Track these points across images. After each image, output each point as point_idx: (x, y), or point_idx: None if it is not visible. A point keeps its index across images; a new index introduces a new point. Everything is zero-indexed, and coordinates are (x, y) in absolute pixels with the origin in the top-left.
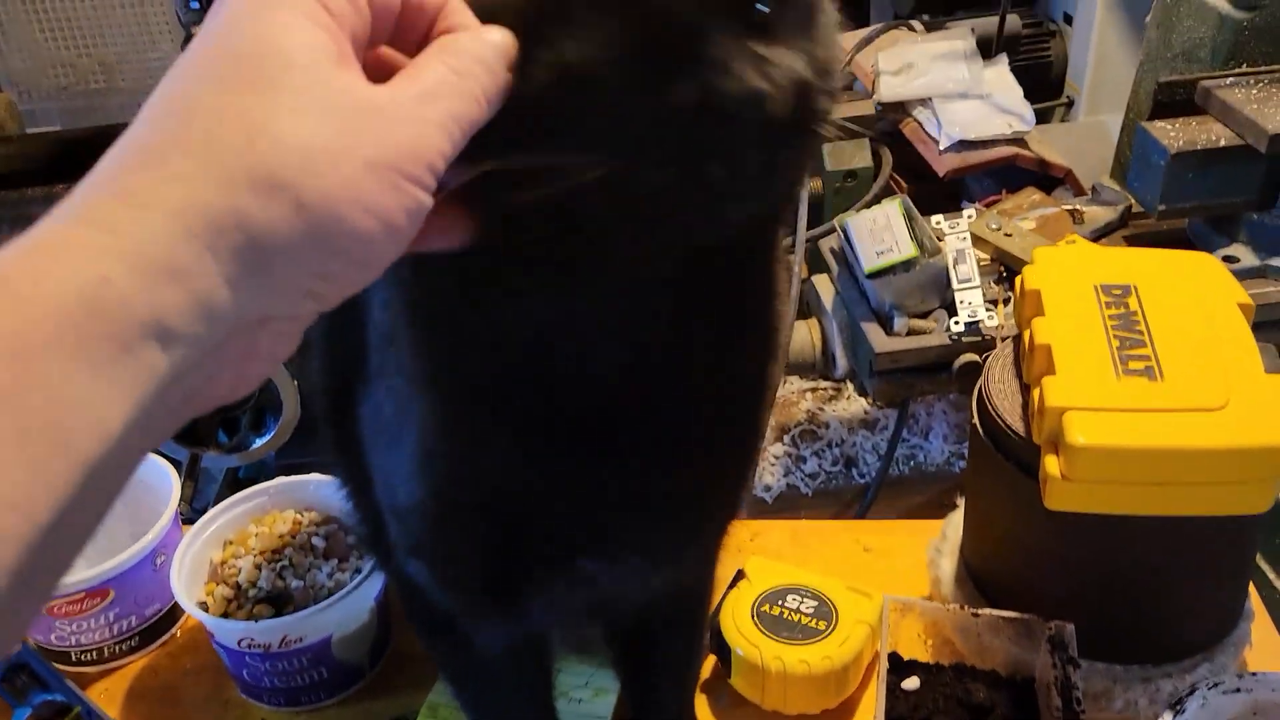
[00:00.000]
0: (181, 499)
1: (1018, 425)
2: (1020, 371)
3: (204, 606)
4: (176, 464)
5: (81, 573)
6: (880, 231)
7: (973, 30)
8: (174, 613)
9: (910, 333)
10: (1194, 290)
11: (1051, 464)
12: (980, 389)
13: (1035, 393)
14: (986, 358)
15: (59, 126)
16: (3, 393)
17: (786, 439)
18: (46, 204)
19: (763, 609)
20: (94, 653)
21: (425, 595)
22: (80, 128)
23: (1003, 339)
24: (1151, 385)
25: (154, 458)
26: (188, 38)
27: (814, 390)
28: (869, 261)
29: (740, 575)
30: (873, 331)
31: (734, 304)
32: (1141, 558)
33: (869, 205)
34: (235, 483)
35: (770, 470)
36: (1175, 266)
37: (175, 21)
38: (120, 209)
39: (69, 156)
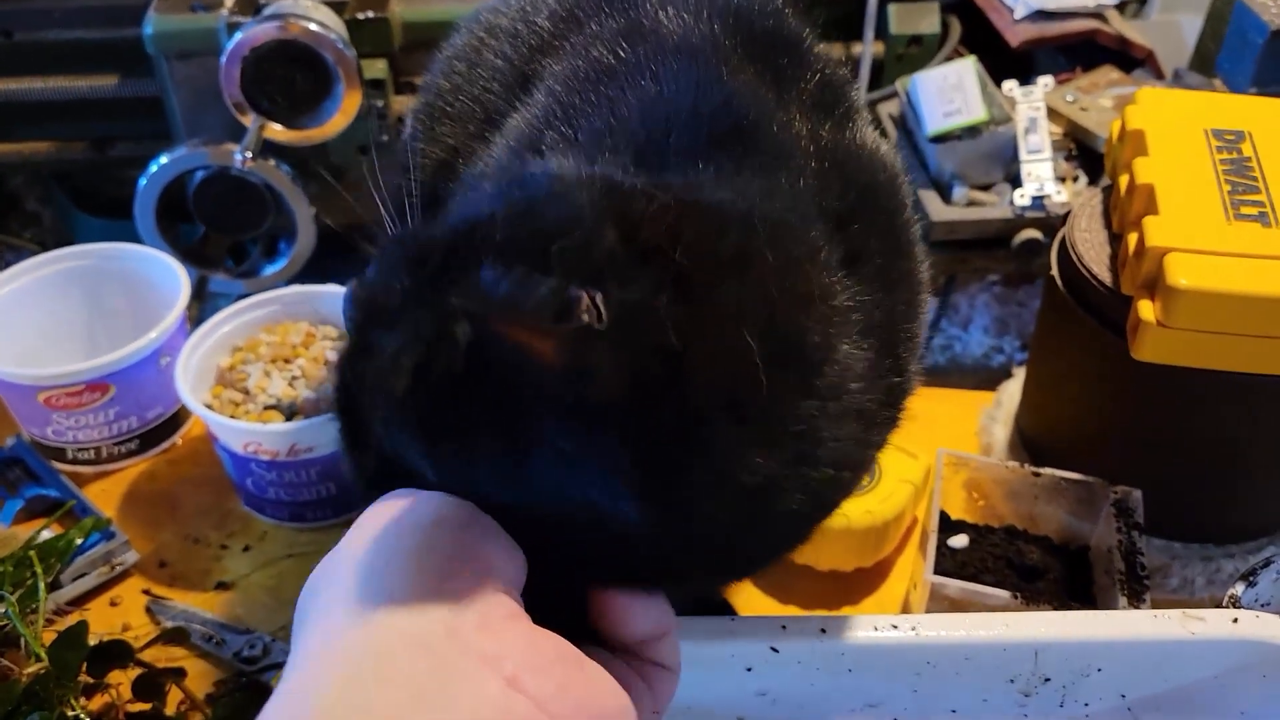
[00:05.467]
0: (187, 319)
1: (1104, 275)
2: (1109, 222)
3: (209, 409)
4: None
5: (82, 364)
6: (950, 91)
7: None
8: (176, 420)
9: (970, 204)
10: None
11: (1146, 309)
12: (1063, 238)
13: (1132, 236)
14: (1065, 217)
15: None
16: None
17: None
18: None
19: None
20: (91, 451)
21: None
22: None
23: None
24: (1266, 231)
25: (161, 256)
26: None
27: None
28: (934, 123)
29: None
30: (930, 199)
31: None
32: (1223, 425)
33: None
34: None
35: None
36: None
37: None
38: None
39: None
